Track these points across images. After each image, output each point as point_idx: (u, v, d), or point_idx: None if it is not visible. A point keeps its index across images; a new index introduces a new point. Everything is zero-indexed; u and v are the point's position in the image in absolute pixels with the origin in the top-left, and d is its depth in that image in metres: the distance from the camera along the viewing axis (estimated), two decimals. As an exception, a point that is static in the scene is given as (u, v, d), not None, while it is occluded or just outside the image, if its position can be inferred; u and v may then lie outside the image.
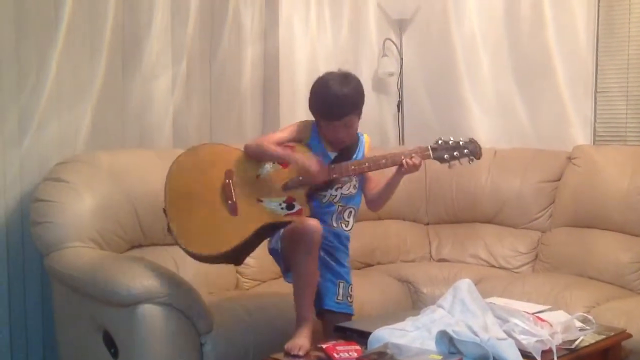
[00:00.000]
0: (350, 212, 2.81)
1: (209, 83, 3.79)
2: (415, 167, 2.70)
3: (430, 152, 2.72)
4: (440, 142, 2.73)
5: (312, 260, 2.56)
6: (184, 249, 2.65)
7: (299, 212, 2.65)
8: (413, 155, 2.70)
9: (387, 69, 4.53)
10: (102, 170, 3.08)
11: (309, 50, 4.27)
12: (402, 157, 2.69)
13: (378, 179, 2.85)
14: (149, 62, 3.51)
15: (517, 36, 4.23)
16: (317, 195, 2.73)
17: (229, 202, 2.66)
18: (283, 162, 2.72)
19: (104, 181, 3.05)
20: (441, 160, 2.73)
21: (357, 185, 2.80)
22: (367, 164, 2.71)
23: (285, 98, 4.09)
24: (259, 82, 4.01)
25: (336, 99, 2.69)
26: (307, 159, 2.66)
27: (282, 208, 2.65)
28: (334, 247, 2.77)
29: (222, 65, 3.83)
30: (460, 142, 2.73)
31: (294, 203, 2.67)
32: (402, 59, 4.60)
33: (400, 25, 4.62)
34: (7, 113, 3.02)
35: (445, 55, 4.49)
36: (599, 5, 3.93)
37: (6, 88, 3.01)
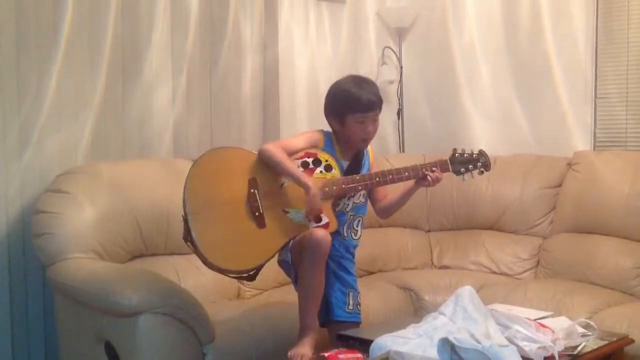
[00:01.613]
0: (359, 221, 2.83)
1: (209, 94, 3.80)
2: (438, 181, 2.74)
3: (450, 165, 2.77)
4: (456, 154, 2.78)
5: (319, 271, 2.56)
6: (207, 262, 2.58)
7: (326, 226, 2.64)
8: (434, 168, 2.73)
9: (387, 77, 4.54)
10: (103, 181, 3.08)
11: (309, 59, 4.28)
12: (425, 171, 2.72)
13: (386, 189, 2.86)
14: (149, 73, 3.52)
15: (516, 43, 4.24)
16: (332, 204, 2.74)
17: (256, 213, 2.61)
18: (307, 167, 2.71)
19: (105, 192, 3.05)
20: (458, 173, 2.78)
21: (365, 195, 2.83)
22: (390, 176, 2.72)
23: (285, 108, 4.10)
24: (259, 92, 4.02)
25: (369, 87, 2.76)
26: (313, 188, 2.60)
27: (309, 220, 2.64)
28: (342, 257, 2.78)
29: (222, 75, 3.84)
30: (474, 155, 2.79)
31: (321, 215, 2.65)
32: (401, 67, 4.61)
33: (400, 34, 4.63)
34: (8, 125, 3.03)
35: (445, 62, 4.50)
36: (597, 12, 3.95)
37: (7, 100, 3.02)
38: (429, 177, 2.72)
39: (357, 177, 2.71)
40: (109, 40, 3.34)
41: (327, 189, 2.67)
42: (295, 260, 2.63)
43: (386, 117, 4.65)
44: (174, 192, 2.82)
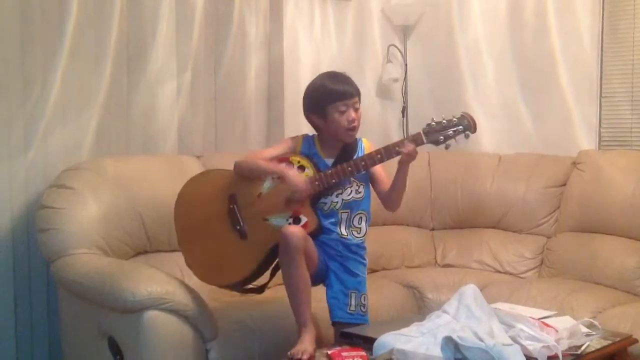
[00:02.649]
0: (361, 217, 2.81)
1: (214, 90, 3.80)
2: (411, 154, 2.65)
3: (423, 136, 2.66)
4: (432, 123, 2.66)
5: (298, 266, 2.55)
6: (210, 284, 2.79)
7: (305, 225, 2.66)
8: (405, 142, 2.66)
9: (392, 75, 4.54)
10: (107, 177, 3.09)
11: (314, 57, 4.28)
12: (396, 147, 2.67)
13: (386, 179, 2.83)
14: (154, 70, 3.52)
15: (522, 41, 4.23)
16: (318, 204, 2.74)
17: (237, 227, 2.71)
18: (275, 176, 2.73)
19: (109, 188, 3.06)
20: (436, 142, 2.65)
21: (361, 190, 2.79)
22: (363, 163, 2.69)
23: (289, 105, 4.10)
24: (264, 90, 4.02)
25: (343, 77, 2.78)
26: (293, 176, 2.67)
27: (289, 223, 2.65)
28: (343, 256, 2.77)
29: (227, 73, 3.84)
30: (453, 120, 2.65)
31: (300, 216, 2.68)
32: (406, 65, 4.61)
33: (405, 32, 4.62)
34: (13, 121, 3.04)
35: (450, 60, 4.49)
36: (603, 10, 3.93)
37: (12, 96, 3.03)
38: (402, 153, 2.65)
39: (329, 172, 2.69)
40: (114, 37, 3.35)
41: None
42: (279, 255, 2.64)
43: (391, 115, 4.66)
44: (178, 189, 2.84)
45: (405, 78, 4.60)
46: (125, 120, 3.44)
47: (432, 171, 4.15)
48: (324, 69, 4.26)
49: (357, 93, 2.78)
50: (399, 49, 4.61)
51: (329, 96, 2.74)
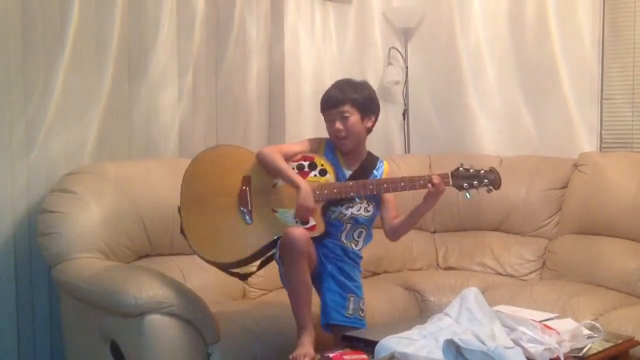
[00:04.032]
0: (361, 232, 2.82)
1: (215, 93, 3.80)
2: (439, 191, 2.66)
3: (450, 178, 2.69)
4: (461, 169, 2.70)
5: (300, 269, 2.55)
6: (196, 253, 2.68)
7: (312, 228, 2.66)
8: (434, 176, 2.67)
9: (393, 77, 4.54)
10: (109, 181, 3.09)
11: (315, 59, 4.29)
12: (421, 181, 2.66)
13: (395, 209, 2.84)
14: (155, 73, 3.52)
15: (523, 43, 4.24)
16: (327, 211, 2.75)
17: (244, 209, 2.68)
18: (302, 169, 2.72)
19: (111, 192, 3.06)
20: (459, 188, 2.70)
21: (370, 209, 2.80)
22: (385, 185, 2.70)
23: (290, 108, 4.10)
24: (265, 92, 4.03)
25: (334, 87, 2.79)
26: (305, 194, 2.64)
27: (297, 222, 2.65)
28: (342, 260, 2.78)
29: (228, 75, 3.84)
30: (481, 172, 2.70)
31: (309, 217, 2.67)
32: (407, 67, 4.61)
33: (406, 34, 4.63)
34: (14, 125, 3.04)
35: (451, 63, 4.50)
36: (603, 12, 3.94)
37: (14, 100, 3.03)
38: (429, 186, 2.66)
39: (350, 184, 2.70)
40: (115, 40, 3.35)
41: (317, 192, 2.69)
42: (281, 256, 2.63)
43: (392, 118, 4.66)
44: (179, 192, 2.83)
45: (406, 81, 4.61)
46: (127, 123, 3.45)
47: (433, 174, 4.14)
48: (325, 71, 4.30)
49: (343, 101, 2.74)
50: (400, 52, 4.61)
51: (320, 105, 2.82)
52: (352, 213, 2.77)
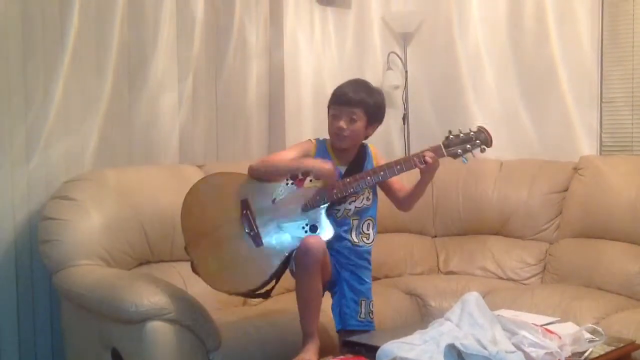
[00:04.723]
0: (369, 224, 2.81)
1: (215, 99, 3.81)
2: (434, 165, 2.66)
3: (443, 149, 2.68)
4: (451, 137, 2.68)
5: (313, 278, 2.56)
6: (214, 288, 2.67)
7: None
8: (426, 153, 2.66)
9: (392, 82, 4.54)
10: (109, 188, 3.09)
11: (314, 64, 4.29)
12: (416, 159, 2.66)
13: (401, 185, 2.85)
14: (155, 79, 3.53)
15: (522, 47, 4.24)
16: (331, 211, 2.72)
17: (251, 233, 2.63)
18: (295, 178, 2.68)
19: (111, 198, 3.06)
20: (454, 156, 2.68)
21: (370, 197, 2.80)
22: (382, 173, 2.69)
23: (290, 112, 4.10)
24: (265, 97, 4.03)
25: (351, 85, 2.79)
26: (318, 161, 2.66)
27: (305, 231, 2.63)
28: (355, 265, 2.78)
29: (228, 81, 3.85)
30: (471, 134, 2.69)
31: (316, 224, 2.64)
32: (406, 72, 4.61)
33: (405, 39, 4.63)
34: (14, 132, 3.04)
35: (450, 67, 4.50)
36: (603, 15, 3.94)
37: (14, 107, 3.03)
38: (423, 165, 2.65)
39: (348, 180, 2.68)
40: (115, 46, 3.35)
41: (317, 197, 2.67)
42: (296, 265, 2.62)
43: (392, 122, 4.66)
44: (180, 198, 2.82)
45: (405, 85, 4.61)
46: (127, 129, 3.45)
47: (434, 178, 4.13)
48: (325, 76, 4.30)
49: (357, 103, 2.73)
50: (399, 56, 4.62)
51: (331, 96, 2.80)
52: (356, 207, 2.76)
